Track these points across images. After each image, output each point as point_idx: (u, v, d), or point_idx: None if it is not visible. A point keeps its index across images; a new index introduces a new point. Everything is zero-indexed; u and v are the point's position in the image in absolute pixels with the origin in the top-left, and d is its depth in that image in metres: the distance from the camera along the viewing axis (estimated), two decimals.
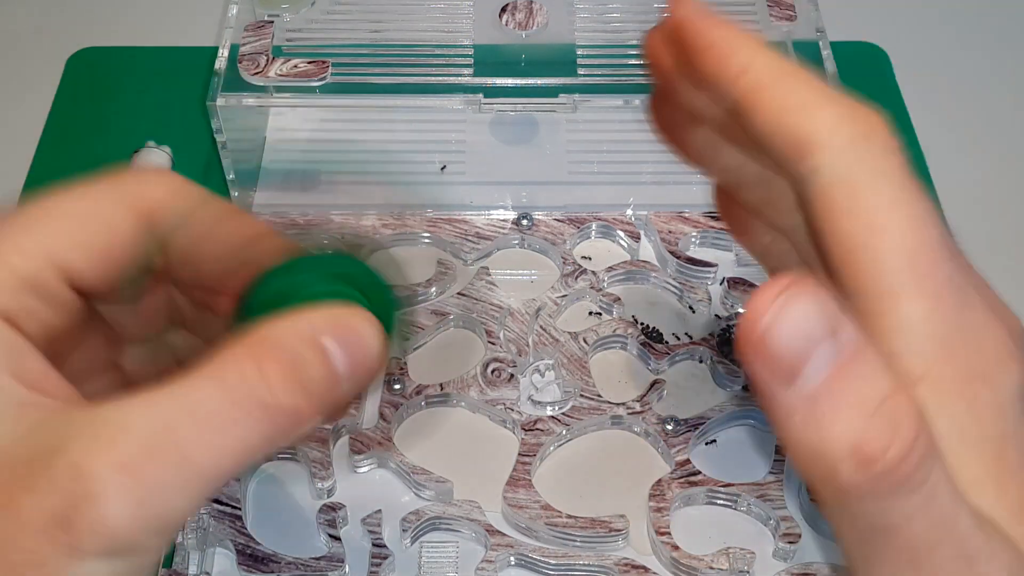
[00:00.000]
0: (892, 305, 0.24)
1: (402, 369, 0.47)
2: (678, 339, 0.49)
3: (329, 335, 0.26)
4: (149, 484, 0.23)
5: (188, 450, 0.24)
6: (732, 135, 0.30)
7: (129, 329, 0.32)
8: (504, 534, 0.43)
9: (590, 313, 0.50)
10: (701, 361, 0.48)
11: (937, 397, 0.23)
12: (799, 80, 0.26)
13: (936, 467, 0.22)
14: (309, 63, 0.50)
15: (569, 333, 0.49)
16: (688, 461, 0.45)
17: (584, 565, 0.42)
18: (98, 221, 0.28)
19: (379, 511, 0.43)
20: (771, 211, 0.31)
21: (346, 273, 0.28)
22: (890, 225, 0.24)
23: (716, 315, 0.50)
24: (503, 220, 0.53)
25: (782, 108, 0.26)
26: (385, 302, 0.28)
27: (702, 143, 0.33)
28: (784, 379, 0.22)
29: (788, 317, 0.22)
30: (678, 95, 0.31)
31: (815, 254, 0.27)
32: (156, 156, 0.55)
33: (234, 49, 0.51)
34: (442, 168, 0.53)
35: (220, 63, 0.51)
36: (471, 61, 0.52)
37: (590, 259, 0.52)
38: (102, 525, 0.23)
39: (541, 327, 0.49)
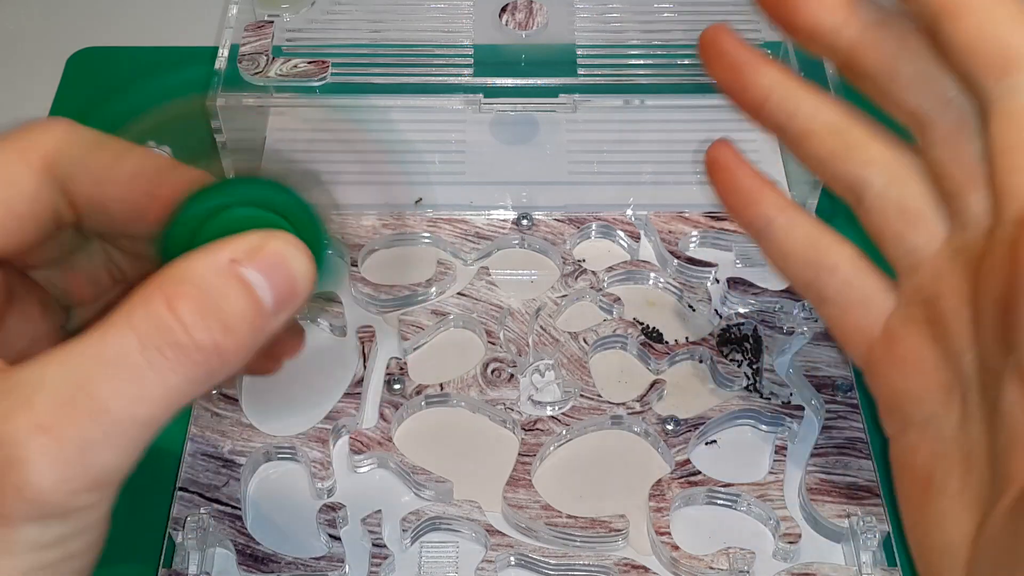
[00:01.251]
0: None
1: (402, 369, 0.47)
2: (677, 342, 0.49)
3: (249, 264, 0.25)
4: (72, 441, 0.23)
5: (107, 401, 0.23)
6: (855, 62, 0.29)
7: (70, 293, 0.31)
8: (504, 534, 0.43)
9: (604, 319, 0.50)
10: (701, 361, 0.48)
11: None
12: (1002, 2, 0.25)
13: None
14: (309, 63, 0.50)
15: (569, 333, 0.49)
16: (688, 461, 0.45)
17: (584, 565, 0.42)
18: (2, 182, 0.27)
19: (379, 511, 0.43)
20: (840, 161, 0.30)
21: (267, 198, 0.27)
22: None
23: (715, 310, 0.50)
24: (503, 220, 0.53)
25: (990, 18, 0.25)
26: (312, 227, 0.27)
27: (771, 85, 0.31)
28: None
29: None
30: (791, 16, 0.29)
31: (895, 214, 0.26)
32: None
33: (234, 49, 0.51)
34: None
35: (220, 63, 0.51)
36: (471, 61, 0.52)
37: (584, 261, 0.51)
38: (28, 490, 0.22)
39: (541, 327, 0.49)
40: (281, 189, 0.27)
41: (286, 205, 0.27)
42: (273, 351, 0.33)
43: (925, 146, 0.28)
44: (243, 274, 0.25)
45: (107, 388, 0.23)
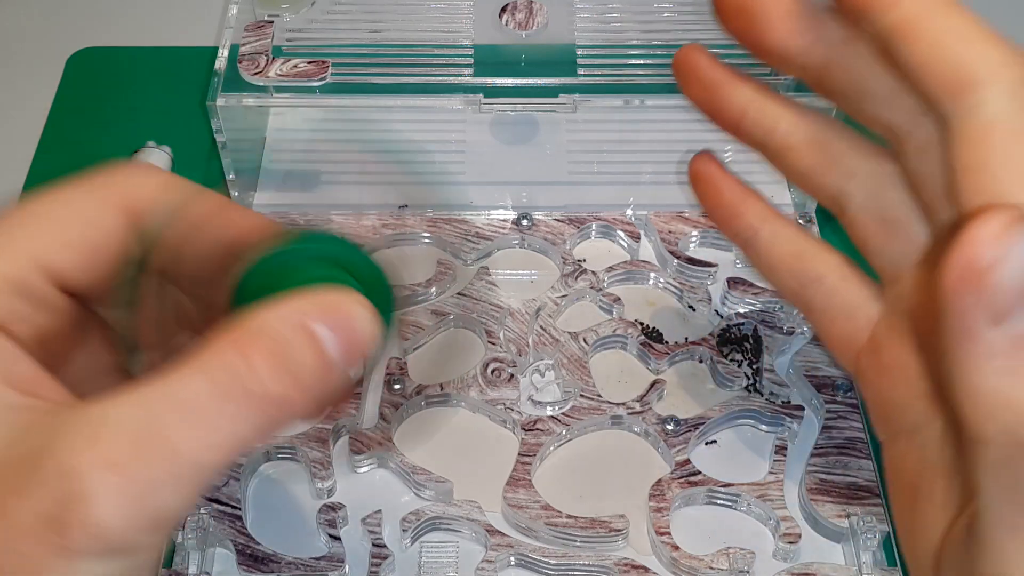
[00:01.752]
0: None
1: (402, 369, 0.47)
2: (678, 343, 0.49)
3: (319, 319, 0.25)
4: (139, 481, 0.23)
5: (177, 444, 0.24)
6: (825, 80, 0.28)
7: (136, 334, 0.32)
8: (504, 534, 0.43)
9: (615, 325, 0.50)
10: (701, 361, 0.48)
11: None
12: (964, 15, 0.25)
13: None
14: (309, 63, 0.50)
15: (569, 333, 0.49)
16: (688, 461, 0.45)
17: (584, 565, 0.42)
18: (83, 221, 0.28)
19: (379, 511, 0.43)
20: (821, 175, 0.30)
21: (339, 258, 0.28)
22: None
23: (716, 310, 0.50)
24: (503, 220, 0.53)
25: (946, 38, 0.24)
26: (380, 287, 0.28)
27: (746, 102, 0.31)
28: (993, 318, 0.21)
29: (1015, 253, 0.20)
30: (757, 38, 0.29)
31: (877, 224, 0.26)
32: (156, 156, 0.55)
33: (234, 49, 0.51)
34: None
35: (220, 63, 0.51)
36: (471, 61, 0.52)
37: (584, 260, 0.51)
38: (94, 525, 0.23)
39: (541, 327, 0.49)
40: (353, 249, 0.28)
41: (357, 265, 0.28)
42: (329, 401, 0.33)
43: (901, 157, 0.28)
44: (314, 329, 0.25)
45: (179, 431, 0.24)
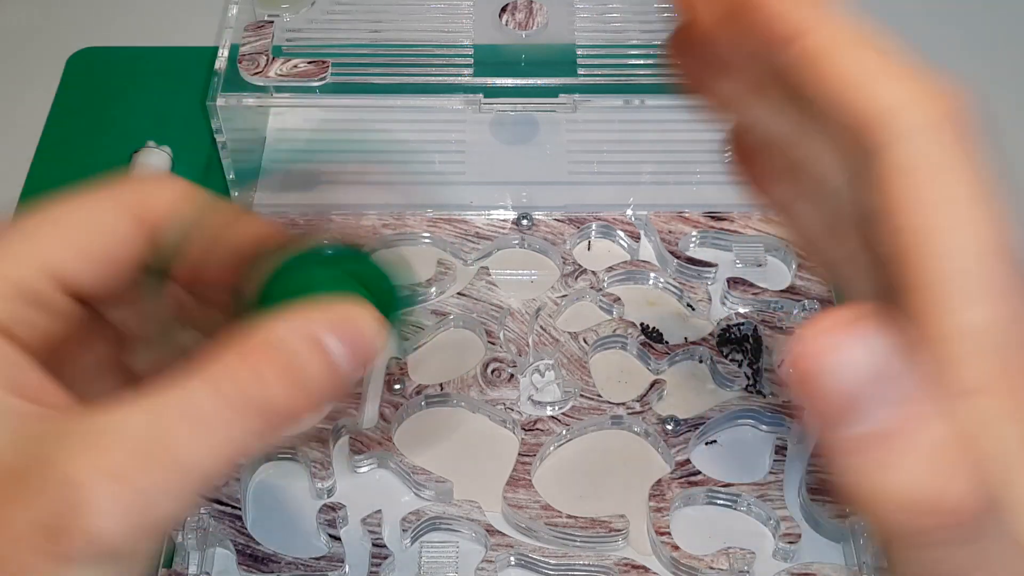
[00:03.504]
0: (950, 311, 0.22)
1: (402, 369, 0.47)
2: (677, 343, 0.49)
3: (329, 331, 0.26)
4: (140, 490, 0.23)
5: (180, 454, 0.24)
6: (769, 93, 0.27)
7: (135, 329, 0.32)
8: (504, 534, 0.43)
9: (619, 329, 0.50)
10: (701, 361, 0.48)
11: (997, 410, 0.22)
12: (868, 48, 0.23)
13: (996, 518, 0.21)
14: (309, 63, 0.50)
15: (569, 333, 0.49)
16: (688, 461, 0.45)
17: (584, 565, 0.42)
18: (93, 227, 0.28)
19: (379, 511, 0.43)
20: (800, 174, 0.29)
21: (350, 268, 0.28)
22: (957, 225, 0.22)
23: (717, 310, 0.50)
24: (503, 220, 0.53)
25: (847, 77, 0.23)
26: (389, 297, 0.28)
27: (729, 95, 0.29)
28: (838, 419, 0.21)
29: (846, 355, 0.20)
30: (710, 40, 0.27)
31: (847, 223, 0.25)
32: (156, 156, 0.55)
33: (234, 49, 0.51)
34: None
35: (220, 63, 0.51)
36: (471, 61, 0.52)
37: (590, 245, 0.51)
38: (92, 534, 0.23)
39: (541, 327, 0.49)
40: (365, 260, 0.28)
41: (366, 271, 0.28)
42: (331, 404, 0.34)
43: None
44: (324, 341, 0.26)
45: (183, 441, 0.24)
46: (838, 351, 0.20)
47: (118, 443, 0.24)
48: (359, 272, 0.28)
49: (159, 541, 0.25)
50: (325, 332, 0.26)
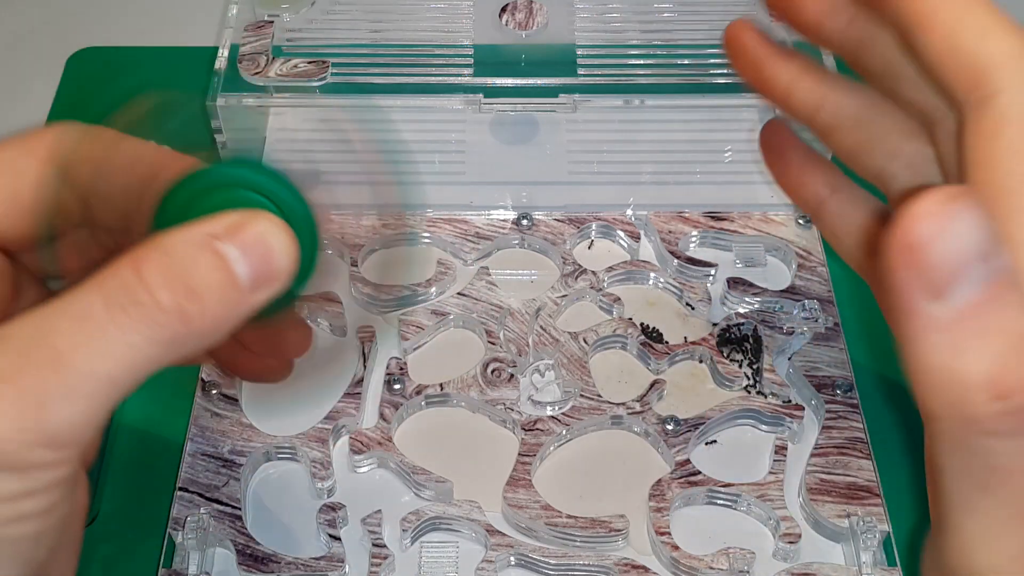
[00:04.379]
0: None
1: (402, 369, 0.47)
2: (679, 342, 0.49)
3: (227, 239, 0.26)
4: (30, 391, 0.23)
5: (67, 354, 0.24)
6: (861, 60, 0.29)
7: (55, 273, 0.32)
8: (504, 534, 0.43)
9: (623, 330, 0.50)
10: (701, 361, 0.48)
11: None
12: (980, 5, 0.24)
13: None
14: (309, 63, 0.50)
15: (569, 333, 0.49)
16: (688, 461, 0.45)
17: (584, 565, 0.42)
18: (9, 172, 0.29)
19: (379, 511, 0.43)
20: (865, 155, 0.30)
21: (259, 183, 0.27)
22: None
23: (717, 310, 0.50)
24: (503, 220, 0.53)
25: (960, 29, 0.24)
26: (302, 215, 0.28)
27: (792, 79, 0.31)
28: (932, 292, 0.21)
29: (951, 229, 0.20)
30: (795, 16, 0.30)
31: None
32: None
33: (234, 49, 0.51)
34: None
35: (220, 63, 0.51)
36: (471, 61, 0.52)
37: (593, 243, 0.51)
38: None
39: (541, 327, 0.49)
40: (275, 175, 0.28)
41: (278, 192, 0.27)
42: (279, 348, 0.33)
43: (934, 141, 0.28)
44: (218, 247, 0.26)
45: (68, 341, 0.24)
46: (944, 223, 0.21)
47: (3, 346, 0.24)
48: (271, 189, 0.27)
49: (66, 457, 0.24)
50: (223, 239, 0.26)
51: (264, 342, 0.34)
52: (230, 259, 0.26)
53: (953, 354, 0.21)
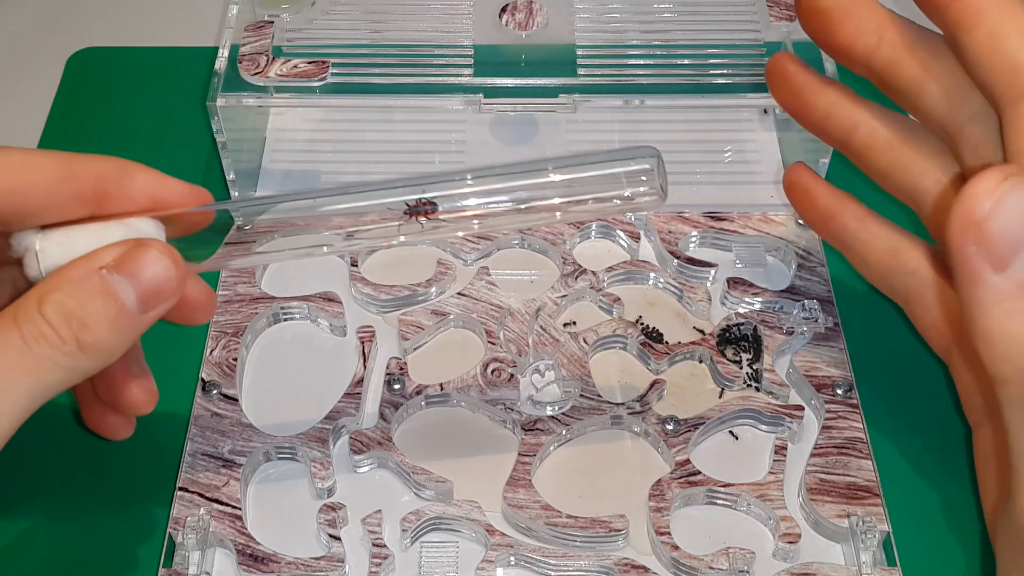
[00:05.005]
0: None
1: (402, 369, 0.47)
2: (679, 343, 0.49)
3: (114, 270, 0.30)
4: None
5: None
6: (888, 79, 0.32)
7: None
8: (504, 534, 0.43)
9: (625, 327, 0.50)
10: (701, 361, 0.48)
11: None
12: (1021, 9, 0.27)
13: None
14: (309, 63, 0.50)
15: (569, 333, 0.49)
16: (688, 461, 0.45)
17: (584, 565, 0.42)
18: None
19: (379, 511, 0.43)
20: (898, 174, 0.32)
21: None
22: None
23: (717, 310, 0.50)
24: None
25: (1001, 31, 0.27)
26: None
27: (829, 105, 0.34)
28: (997, 264, 0.22)
29: (1014, 202, 0.22)
30: (828, 38, 0.32)
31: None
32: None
33: (234, 49, 0.51)
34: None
35: (220, 63, 0.51)
36: (471, 61, 0.52)
37: (583, 266, 0.51)
38: None
39: (541, 327, 0.49)
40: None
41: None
42: (186, 314, 0.37)
43: (956, 155, 0.30)
44: (106, 279, 0.30)
45: None
46: (1008, 196, 0.22)
47: None
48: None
49: None
50: (108, 267, 0.30)
51: (108, 393, 0.38)
52: (117, 289, 0.30)
53: (1018, 321, 0.22)
